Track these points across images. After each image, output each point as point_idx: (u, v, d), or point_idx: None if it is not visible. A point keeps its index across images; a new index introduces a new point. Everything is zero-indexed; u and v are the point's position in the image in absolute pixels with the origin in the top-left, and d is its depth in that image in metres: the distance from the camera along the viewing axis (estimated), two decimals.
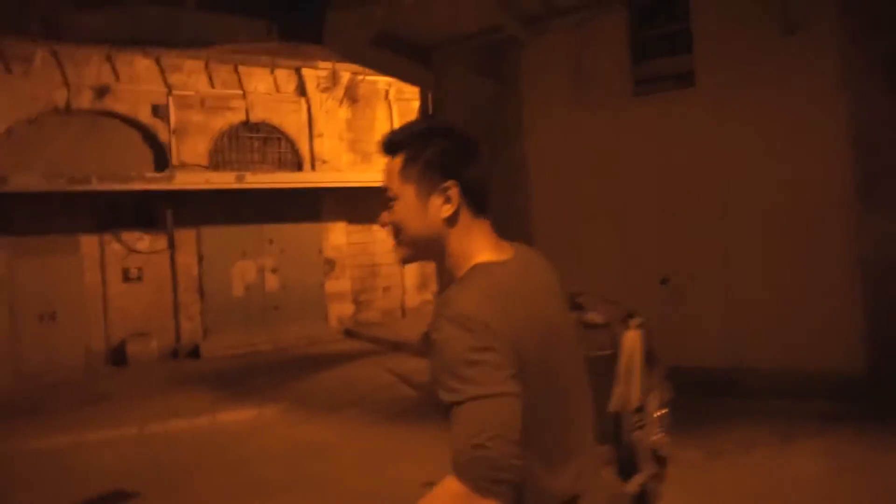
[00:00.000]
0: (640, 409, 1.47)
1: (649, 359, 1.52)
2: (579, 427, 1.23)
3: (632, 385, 1.44)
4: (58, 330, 11.73)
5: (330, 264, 13.93)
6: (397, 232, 1.26)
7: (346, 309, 14.01)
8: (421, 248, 1.25)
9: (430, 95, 7.86)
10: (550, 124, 7.27)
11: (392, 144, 1.27)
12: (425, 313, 14.68)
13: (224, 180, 11.73)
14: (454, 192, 1.19)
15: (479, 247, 1.22)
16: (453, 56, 6.84)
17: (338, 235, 14.03)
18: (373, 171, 13.94)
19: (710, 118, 6.31)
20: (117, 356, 12.02)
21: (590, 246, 6.91)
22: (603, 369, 1.43)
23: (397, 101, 14.86)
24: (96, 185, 10.77)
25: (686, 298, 6.47)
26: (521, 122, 7.47)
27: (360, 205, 14.22)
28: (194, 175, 11.86)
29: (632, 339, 1.48)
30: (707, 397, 6.10)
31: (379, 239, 14.56)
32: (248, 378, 9.50)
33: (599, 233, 6.87)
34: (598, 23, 6.82)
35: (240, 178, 11.77)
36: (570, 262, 7.10)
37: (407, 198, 1.22)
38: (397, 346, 10.90)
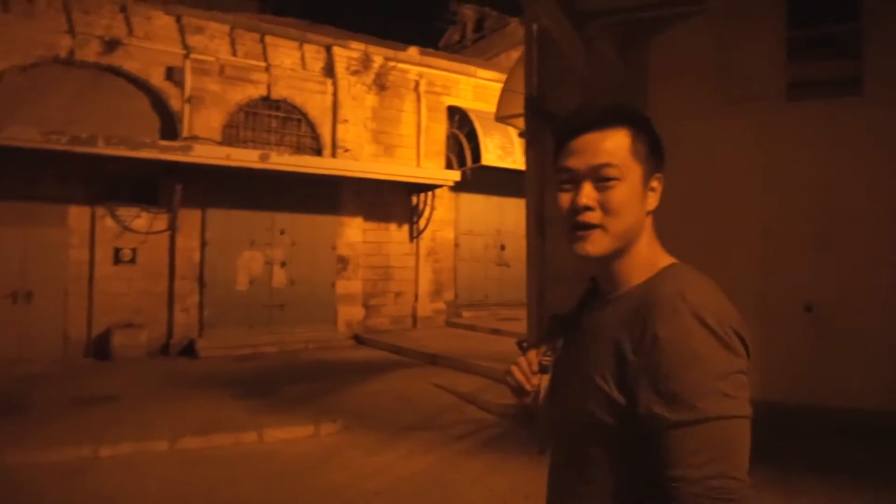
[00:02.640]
0: None
1: None
2: None
3: None
4: (33, 313, 10.12)
5: (342, 263, 12.71)
6: (608, 218, 1.07)
7: (356, 313, 12.79)
8: (625, 241, 1.10)
9: (534, 71, 6.89)
10: (681, 125, 6.42)
11: (609, 113, 1.11)
12: (437, 323, 13.63)
13: (246, 158, 10.41)
14: (660, 187, 1.13)
15: (662, 249, 1.15)
16: (603, 30, 5.93)
17: (353, 232, 12.83)
18: (396, 166, 12.91)
19: (881, 132, 5.59)
20: (99, 348, 10.47)
21: (724, 265, 6.06)
22: None
23: (427, 94, 13.85)
24: (102, 149, 9.31)
25: (835, 329, 5.70)
26: None
27: (378, 200, 13.13)
28: (214, 149, 10.50)
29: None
30: (864, 445, 5.33)
31: (395, 239, 13.48)
32: (271, 385, 8.22)
33: (736, 251, 6.04)
34: (750, 14, 6.05)
35: (264, 158, 10.48)
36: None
37: (633, 180, 1.08)
38: (433, 360, 9.80)
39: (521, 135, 9.24)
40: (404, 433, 6.21)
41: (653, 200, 1.12)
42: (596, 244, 1.09)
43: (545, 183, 6.96)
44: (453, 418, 6.75)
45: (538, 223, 6.94)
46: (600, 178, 1.08)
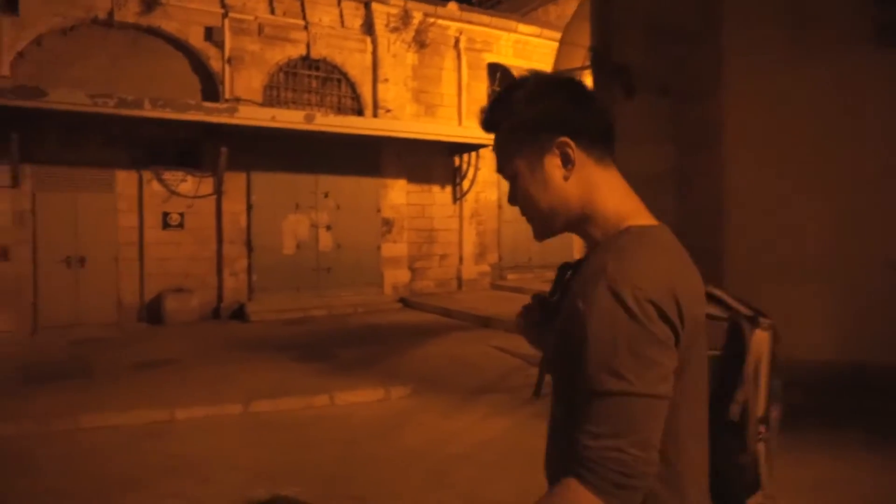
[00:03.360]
0: (764, 420, 1.14)
1: (775, 367, 1.17)
2: (704, 440, 1.07)
3: (759, 391, 1.14)
4: (86, 278, 10.18)
5: (387, 225, 12.55)
6: (525, 210, 1.11)
7: (402, 276, 12.68)
8: (555, 220, 1.08)
9: (599, 21, 6.53)
10: (758, 77, 6.02)
11: (492, 113, 1.12)
12: (482, 286, 13.48)
13: (292, 119, 10.20)
14: (571, 148, 1.04)
15: (630, 208, 1.06)
16: None
17: (397, 194, 12.63)
18: (440, 125, 12.60)
19: None
20: (152, 313, 10.53)
21: (803, 221, 5.75)
22: (715, 371, 1.13)
23: (468, 51, 13.42)
24: (149, 112, 9.17)
25: None
26: (720, 73, 6.20)
27: (421, 161, 12.87)
28: (259, 111, 10.30)
29: (761, 340, 1.13)
30: None
31: (438, 201, 13.26)
32: (327, 349, 8.16)
33: (816, 207, 5.70)
34: None
35: (309, 119, 10.26)
36: (772, 235, 5.97)
37: (523, 169, 1.08)
38: (486, 322, 9.66)
39: None
40: (474, 396, 6.09)
41: (559, 171, 1.05)
42: (536, 233, 1.13)
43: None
44: (521, 381, 6.62)
45: None
46: (508, 179, 1.12)
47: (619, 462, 0.88)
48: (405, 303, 12.17)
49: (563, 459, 0.94)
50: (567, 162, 1.05)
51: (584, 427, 0.90)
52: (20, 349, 8.52)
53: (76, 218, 10.14)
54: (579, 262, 1.12)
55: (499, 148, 1.12)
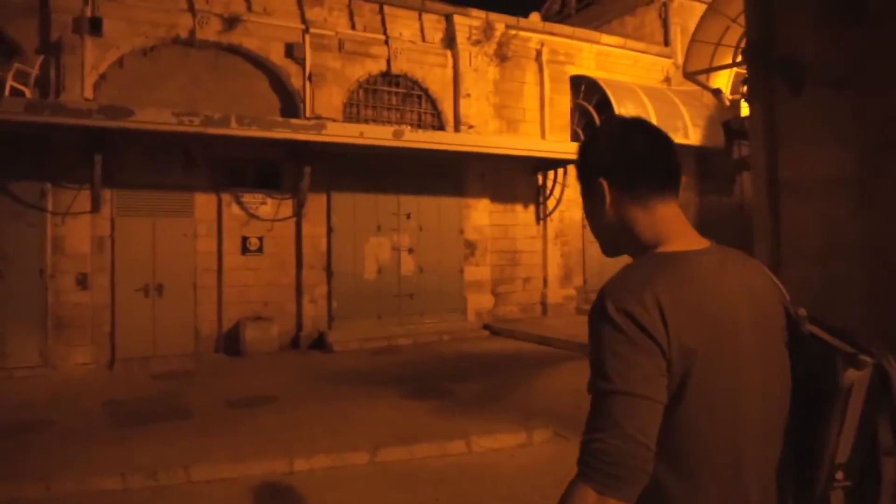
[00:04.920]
0: (844, 467, 1.09)
1: (893, 417, 1.09)
2: (756, 461, 1.11)
3: (843, 434, 1.09)
4: (164, 307, 9.66)
5: (470, 247, 11.80)
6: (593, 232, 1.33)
7: (486, 301, 11.87)
8: (604, 241, 1.31)
9: (757, 8, 5.72)
10: None
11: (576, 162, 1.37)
12: (568, 311, 12.57)
13: (380, 135, 9.61)
14: (605, 188, 1.25)
15: (668, 237, 1.21)
16: None
17: (480, 214, 11.90)
18: (530, 140, 11.90)
19: None
20: (230, 343, 9.94)
21: None
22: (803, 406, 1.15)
23: (550, 64, 12.73)
24: (235, 130, 8.67)
25: None
26: None
27: (504, 180, 12.15)
28: (346, 127, 9.75)
29: (854, 379, 1.08)
30: None
31: (521, 222, 12.48)
32: (434, 382, 7.38)
33: None
34: None
35: (398, 135, 9.64)
36: None
37: (584, 200, 1.33)
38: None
39: (742, 82, 8.05)
40: None
41: (602, 206, 1.26)
42: (601, 249, 1.35)
43: (777, 141, 5.77)
44: None
45: (769, 189, 5.76)
46: None
47: (603, 452, 0.99)
48: (491, 330, 11.34)
49: None
50: (603, 198, 1.25)
51: (585, 427, 1.04)
52: (102, 384, 7.97)
53: (154, 244, 9.68)
54: None
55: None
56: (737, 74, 10.48)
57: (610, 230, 1.25)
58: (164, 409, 6.49)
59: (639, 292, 1.06)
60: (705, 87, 10.39)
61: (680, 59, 14.15)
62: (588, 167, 1.29)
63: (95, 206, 9.04)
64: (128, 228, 9.47)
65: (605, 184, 1.23)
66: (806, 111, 5.68)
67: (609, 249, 1.31)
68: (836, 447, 1.09)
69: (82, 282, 9.14)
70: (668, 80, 14.12)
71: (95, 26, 9.10)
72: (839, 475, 1.10)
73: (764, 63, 5.84)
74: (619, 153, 1.25)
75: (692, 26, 14.32)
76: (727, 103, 11.20)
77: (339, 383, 7.53)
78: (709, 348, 1.07)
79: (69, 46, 8.93)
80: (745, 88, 7.59)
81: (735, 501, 1.10)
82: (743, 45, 8.88)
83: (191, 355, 9.65)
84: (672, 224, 1.22)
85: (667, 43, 14.44)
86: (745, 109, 10.94)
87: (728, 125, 12.38)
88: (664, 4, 14.47)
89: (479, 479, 4.55)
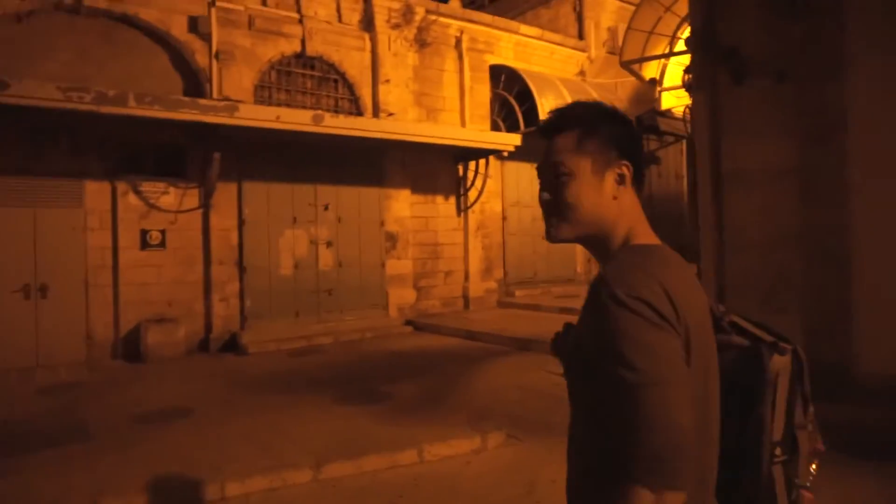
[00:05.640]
0: (780, 444, 1.21)
1: (804, 397, 1.26)
2: (715, 450, 1.18)
3: (776, 415, 1.21)
4: (49, 309, 8.52)
5: (392, 240, 11.35)
6: (563, 209, 1.23)
7: (408, 296, 11.48)
8: (588, 226, 1.23)
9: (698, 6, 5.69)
10: (890, 56, 5.31)
11: (563, 119, 1.27)
12: (489, 304, 12.45)
13: (299, 119, 8.91)
14: (628, 172, 1.23)
15: (641, 230, 1.24)
16: None
17: (401, 206, 11.46)
18: (455, 130, 11.60)
19: None
20: (129, 348, 8.95)
21: None
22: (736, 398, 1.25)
23: (469, 52, 12.48)
24: (134, 109, 7.71)
25: None
26: (841, 51, 5.44)
27: (425, 171, 11.79)
28: (262, 110, 8.96)
29: (779, 364, 1.21)
30: None
31: (442, 213, 12.18)
32: (366, 384, 6.92)
33: None
34: None
35: (318, 120, 8.99)
36: None
37: (583, 173, 1.22)
38: (524, 345, 8.61)
39: (686, 71, 8.03)
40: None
41: (620, 188, 1.22)
42: (558, 230, 1.24)
43: (721, 131, 5.79)
44: None
45: (713, 179, 5.78)
46: (556, 174, 1.23)
47: (647, 449, 0.97)
48: (414, 325, 10.96)
49: (602, 466, 1.06)
50: (622, 182, 1.23)
51: (615, 423, 1.01)
52: None
53: (35, 238, 8.49)
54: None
55: (561, 147, 1.24)
56: (665, 65, 10.73)
57: (599, 214, 1.22)
58: (56, 430, 5.59)
59: (646, 280, 1.08)
60: (639, 78, 10.54)
61: (594, 53, 14.38)
62: (615, 141, 1.23)
63: None
64: (4, 220, 8.23)
65: (628, 168, 1.23)
66: (750, 102, 5.75)
67: (573, 231, 1.23)
68: (772, 427, 1.19)
69: None
70: (582, 73, 14.30)
71: None
72: (777, 451, 1.20)
73: (708, 52, 5.85)
74: (637, 141, 1.28)
75: (605, 21, 14.60)
76: (657, 94, 11.39)
77: (261, 390, 6.89)
78: (698, 338, 1.12)
79: None
80: (687, 77, 7.68)
81: (703, 481, 1.14)
82: (679, 35, 9.03)
83: (83, 364, 8.57)
84: (641, 218, 1.26)
85: (581, 36, 14.61)
86: (665, 102, 11.20)
87: (640, 120, 12.68)
88: None
89: (437, 493, 4.17)
